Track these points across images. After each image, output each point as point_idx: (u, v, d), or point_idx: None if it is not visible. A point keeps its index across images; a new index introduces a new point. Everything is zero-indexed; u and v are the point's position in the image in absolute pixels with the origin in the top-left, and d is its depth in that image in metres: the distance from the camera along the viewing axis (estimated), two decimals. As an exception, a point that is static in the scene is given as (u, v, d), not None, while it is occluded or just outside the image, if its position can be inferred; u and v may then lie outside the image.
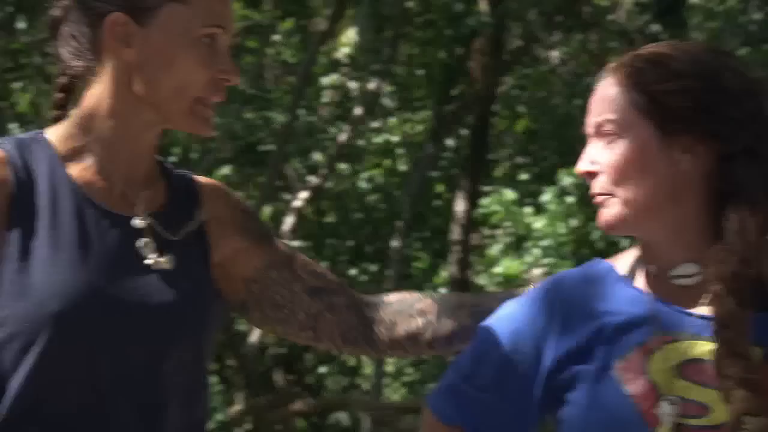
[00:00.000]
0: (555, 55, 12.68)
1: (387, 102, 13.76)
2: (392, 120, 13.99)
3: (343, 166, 13.32)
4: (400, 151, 13.96)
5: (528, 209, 14.89)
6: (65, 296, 1.89)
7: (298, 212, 11.78)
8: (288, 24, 10.83)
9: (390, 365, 14.81)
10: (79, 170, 1.97)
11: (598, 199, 1.98)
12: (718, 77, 1.95)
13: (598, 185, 1.97)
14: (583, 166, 1.99)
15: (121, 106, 1.97)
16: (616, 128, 1.96)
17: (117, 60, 1.95)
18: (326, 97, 13.04)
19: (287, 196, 12.93)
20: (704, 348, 1.92)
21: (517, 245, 15.03)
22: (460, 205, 13.20)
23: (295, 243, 12.26)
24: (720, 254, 1.91)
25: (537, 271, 15.03)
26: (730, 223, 1.92)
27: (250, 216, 2.12)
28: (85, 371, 1.91)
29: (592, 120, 2.00)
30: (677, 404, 1.91)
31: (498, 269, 14.90)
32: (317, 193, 12.02)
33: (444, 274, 14.29)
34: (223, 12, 1.95)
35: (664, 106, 1.94)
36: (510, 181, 15.11)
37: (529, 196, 14.86)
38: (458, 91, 13.18)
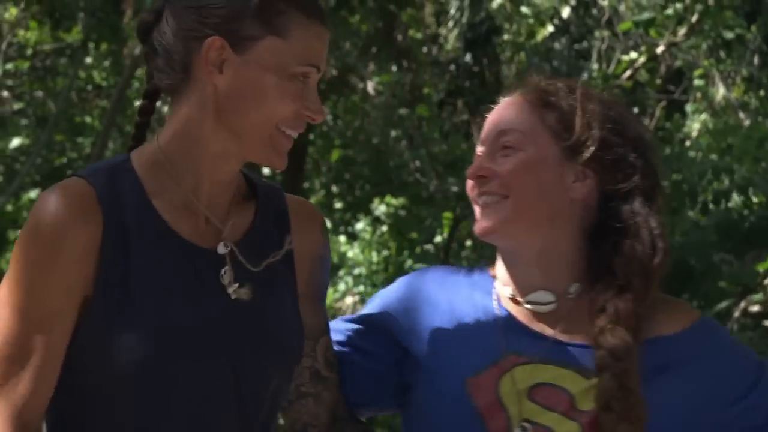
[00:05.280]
0: (371, 85, 12.82)
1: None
2: (207, 146, 13.88)
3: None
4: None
5: (342, 237, 14.98)
6: (151, 340, 1.86)
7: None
8: (103, 46, 10.65)
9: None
10: (164, 202, 1.94)
11: (483, 201, 2.03)
12: (623, 124, 2.06)
13: (488, 187, 2.03)
14: (475, 169, 2.04)
15: (204, 132, 1.94)
16: (519, 140, 2.03)
17: (206, 84, 1.92)
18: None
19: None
20: (555, 372, 1.99)
21: (331, 273, 15.07)
22: (274, 233, 13.13)
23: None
24: (611, 288, 1.98)
25: (349, 300, 15.11)
26: (621, 258, 1.99)
27: (321, 266, 2.08)
28: (169, 413, 1.89)
29: (493, 129, 2.06)
30: (529, 430, 1.97)
31: (311, 297, 14.90)
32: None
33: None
34: (321, 52, 1.93)
35: (572, 133, 2.02)
36: (324, 209, 15.17)
37: (343, 224, 14.94)
38: (274, 119, 13.16)
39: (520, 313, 2.04)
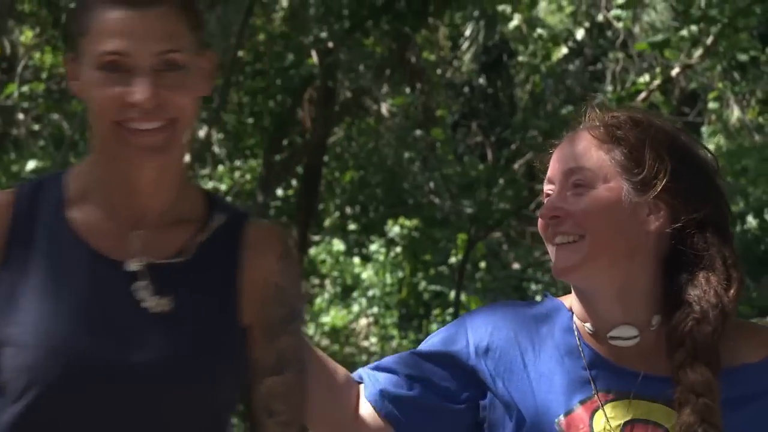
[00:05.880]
0: (385, 107, 12.85)
1: (217, 150, 13.68)
2: (221, 168, 13.92)
3: (170, 214, 13.15)
4: (229, 199, 13.88)
5: (356, 259, 14.96)
6: (44, 348, 1.86)
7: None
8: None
9: None
10: (83, 213, 1.94)
11: (559, 241, 2.01)
12: (690, 152, 2.05)
13: (563, 227, 2.01)
14: (548, 210, 2.02)
15: (95, 140, 1.97)
16: (590, 177, 2.01)
17: None
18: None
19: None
20: (646, 408, 1.98)
21: (345, 295, 15.07)
22: (288, 255, 13.16)
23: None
24: (688, 320, 1.96)
25: (363, 321, 15.08)
26: (696, 290, 1.97)
27: (276, 296, 2.00)
28: (69, 423, 1.87)
29: (562, 167, 2.04)
30: None
31: (325, 319, 14.91)
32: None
33: (271, 323, 14.21)
34: (121, 36, 1.91)
35: (642, 167, 2.01)
36: (339, 231, 15.17)
37: (357, 246, 14.93)
38: (289, 141, 13.21)
39: (603, 348, 2.03)
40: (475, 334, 2.10)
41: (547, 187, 2.06)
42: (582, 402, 2.00)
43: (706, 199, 2.02)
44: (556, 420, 1.99)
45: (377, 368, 2.14)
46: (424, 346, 2.14)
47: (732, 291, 1.98)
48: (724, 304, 1.96)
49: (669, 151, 2.02)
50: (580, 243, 2.00)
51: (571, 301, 2.08)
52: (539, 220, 2.05)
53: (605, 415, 1.98)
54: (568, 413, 2.00)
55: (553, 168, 2.06)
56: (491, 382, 2.06)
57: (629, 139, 2.02)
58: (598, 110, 2.09)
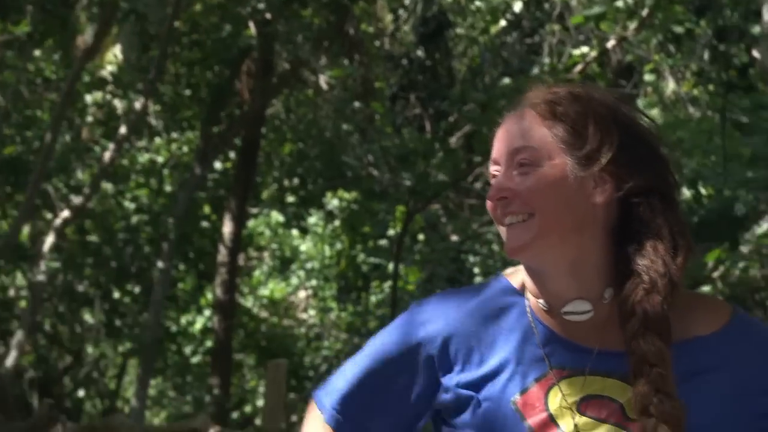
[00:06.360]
0: (324, 79, 12.81)
1: (153, 122, 13.58)
2: (159, 140, 13.81)
3: (107, 186, 13.04)
4: (166, 171, 13.78)
5: (295, 231, 14.94)
6: None
7: (59, 232, 11.46)
8: (49, 41, 10.55)
9: (152, 388, 14.57)
10: None
11: (509, 221, 2.00)
12: (632, 122, 2.05)
13: (512, 207, 2.00)
14: (496, 191, 2.01)
15: None
16: (535, 156, 2.01)
17: None
18: (90, 115, 12.74)
19: (48, 215, 12.58)
20: (601, 384, 1.98)
21: (283, 267, 15.05)
22: (227, 227, 13.14)
23: (55, 263, 11.91)
24: (637, 290, 1.96)
25: (302, 294, 15.08)
26: (645, 259, 1.98)
27: None
28: None
29: (505, 147, 2.04)
30: None
31: (264, 291, 14.89)
32: (80, 212, 11.72)
33: (210, 296, 14.19)
34: None
35: (584, 141, 2.01)
36: (277, 203, 15.13)
37: (295, 218, 14.91)
38: (226, 113, 13.13)
39: (556, 325, 2.02)
40: (428, 329, 2.07)
41: (493, 168, 2.06)
42: (537, 380, 1.99)
43: (651, 167, 2.03)
44: (512, 399, 1.99)
45: (340, 396, 2.09)
46: (377, 352, 2.10)
47: (679, 259, 2.00)
48: (671, 273, 1.97)
49: (610, 123, 2.03)
50: (529, 222, 1.99)
51: (522, 277, 2.09)
52: (488, 201, 2.05)
53: (561, 392, 1.98)
54: (523, 392, 1.99)
55: (498, 148, 2.06)
56: (449, 375, 2.04)
57: (570, 114, 2.03)
58: (540, 87, 2.10)
